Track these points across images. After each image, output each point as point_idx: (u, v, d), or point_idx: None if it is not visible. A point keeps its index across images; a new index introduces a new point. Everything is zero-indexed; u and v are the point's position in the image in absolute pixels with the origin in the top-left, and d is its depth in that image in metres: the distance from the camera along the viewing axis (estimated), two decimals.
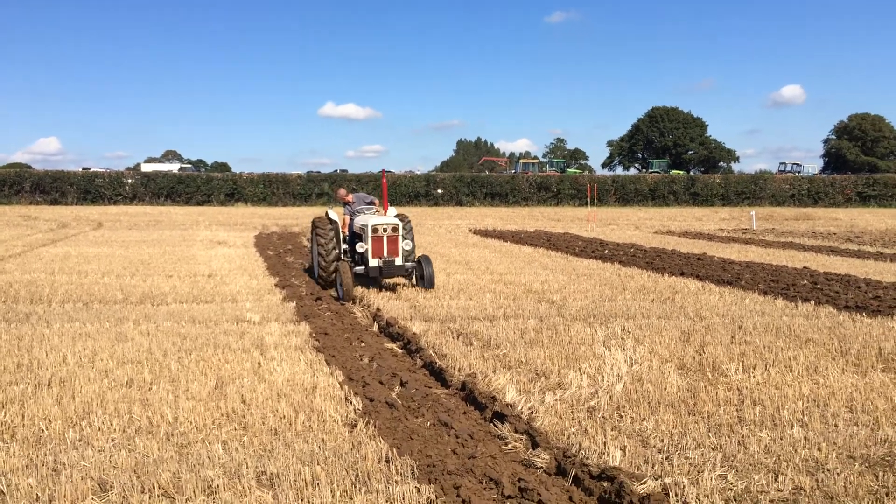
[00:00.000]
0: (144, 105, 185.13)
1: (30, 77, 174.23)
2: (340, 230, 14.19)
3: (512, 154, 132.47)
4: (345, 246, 14.12)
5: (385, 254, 12.93)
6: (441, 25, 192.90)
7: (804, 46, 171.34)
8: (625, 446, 5.15)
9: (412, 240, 13.81)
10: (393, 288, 13.36)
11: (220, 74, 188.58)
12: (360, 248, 13.08)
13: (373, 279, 13.63)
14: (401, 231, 13.21)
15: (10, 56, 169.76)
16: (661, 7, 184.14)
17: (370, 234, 12.82)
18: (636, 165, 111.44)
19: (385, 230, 12.94)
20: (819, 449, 5.12)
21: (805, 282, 14.02)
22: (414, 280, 13.60)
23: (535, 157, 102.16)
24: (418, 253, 14.40)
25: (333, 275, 13.39)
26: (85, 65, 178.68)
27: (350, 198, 14.71)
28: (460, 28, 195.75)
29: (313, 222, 14.59)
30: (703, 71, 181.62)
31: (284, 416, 5.81)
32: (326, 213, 14.54)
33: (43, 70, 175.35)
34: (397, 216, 13.84)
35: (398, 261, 13.04)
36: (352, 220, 14.23)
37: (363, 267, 13.04)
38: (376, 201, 14.86)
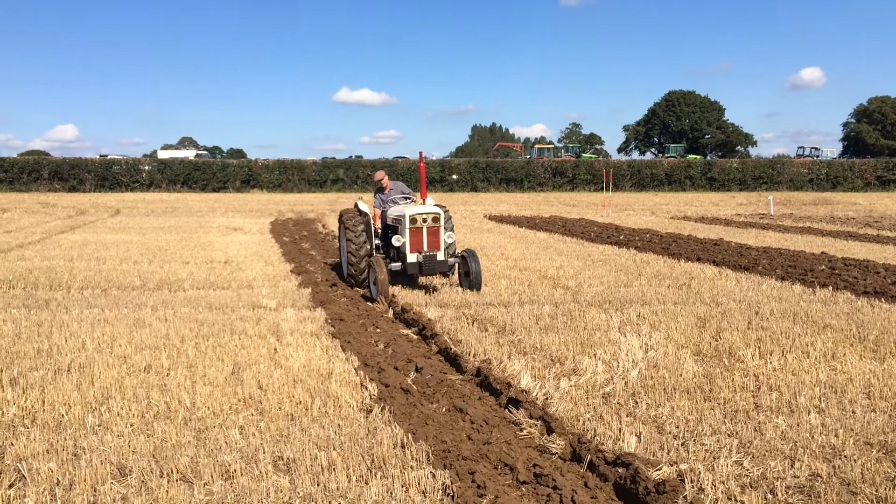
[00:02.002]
0: (160, 92, 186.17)
1: (47, 64, 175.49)
2: (372, 222, 12.62)
3: (527, 139, 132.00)
4: (377, 241, 12.58)
5: (425, 247, 11.42)
6: (456, 10, 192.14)
7: (824, 29, 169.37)
8: (640, 432, 5.15)
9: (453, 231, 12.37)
10: (423, 286, 12.05)
11: (235, 61, 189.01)
12: (396, 241, 11.46)
13: (410, 277, 12.17)
14: (442, 221, 11.65)
15: (28, 44, 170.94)
16: None
17: (407, 224, 11.34)
18: (652, 150, 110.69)
19: (425, 220, 11.41)
20: (836, 435, 5.10)
21: (823, 267, 13.90)
22: (458, 278, 12.11)
23: (551, 143, 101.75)
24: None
25: (365, 272, 11.88)
26: (102, 52, 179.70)
27: (387, 182, 13.06)
28: (476, 12, 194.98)
29: (341, 215, 12.89)
30: (721, 54, 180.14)
31: (300, 402, 5.85)
32: (356, 204, 12.85)
33: (60, 57, 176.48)
34: (437, 206, 12.24)
35: (440, 255, 11.52)
36: (384, 211, 12.79)
37: (400, 263, 11.52)
38: (413, 196, 13.20)
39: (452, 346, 7.93)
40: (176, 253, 16.49)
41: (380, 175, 13.15)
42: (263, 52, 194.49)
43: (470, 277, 11.36)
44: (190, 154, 78.44)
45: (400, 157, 67.34)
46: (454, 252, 12.08)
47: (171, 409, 5.73)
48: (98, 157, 63.22)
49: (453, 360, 7.61)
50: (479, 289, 11.20)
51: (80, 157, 59.47)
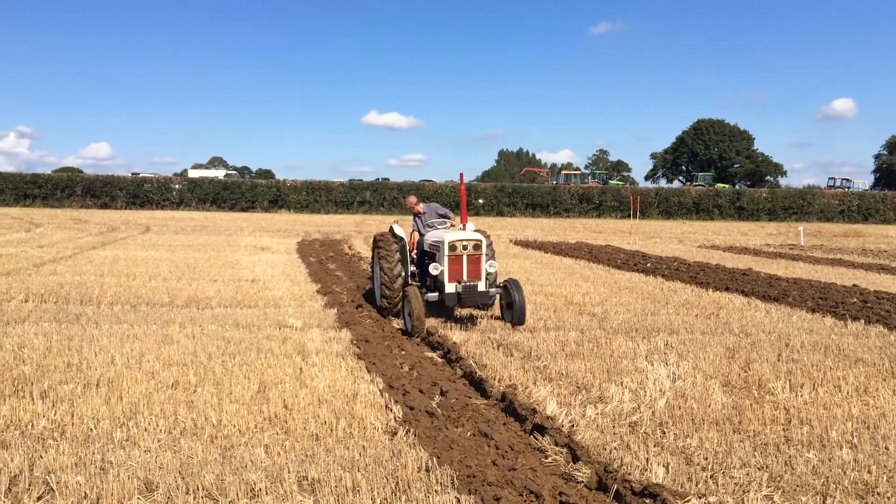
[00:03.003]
0: (192, 112, 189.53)
1: (82, 84, 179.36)
2: (408, 248, 11.88)
3: (553, 165, 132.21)
4: (412, 268, 11.85)
5: (464, 277, 10.54)
6: (486, 36, 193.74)
7: (857, 60, 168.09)
8: (668, 463, 5.07)
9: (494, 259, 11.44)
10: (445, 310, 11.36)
11: (266, 83, 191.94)
12: (433, 269, 10.54)
13: (447, 308, 11.14)
14: (484, 248, 10.78)
15: (63, 63, 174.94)
16: (708, 19, 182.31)
17: (446, 251, 10.47)
18: (680, 178, 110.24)
19: (465, 247, 10.53)
20: (869, 472, 4.99)
21: (854, 300, 13.67)
22: (499, 310, 11.26)
23: (577, 169, 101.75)
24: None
25: (399, 303, 11.18)
26: (135, 72, 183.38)
27: (421, 207, 12.45)
28: (505, 38, 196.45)
29: (375, 239, 12.04)
30: (751, 84, 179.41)
31: (326, 422, 5.86)
32: (391, 228, 12.04)
33: (95, 77, 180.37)
34: (477, 231, 11.27)
35: (481, 286, 10.59)
36: (421, 236, 12.07)
37: (437, 293, 10.65)
38: (451, 215, 12.56)
39: (477, 371, 7.90)
40: (204, 271, 16.65)
41: (412, 201, 12.63)
42: (293, 75, 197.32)
43: (513, 310, 10.49)
44: (219, 174, 79.52)
45: (426, 181, 67.70)
46: (494, 281, 11.12)
47: (198, 425, 5.76)
48: (130, 174, 64.34)
49: (478, 385, 7.58)
50: (522, 322, 10.37)
51: (112, 175, 60.66)
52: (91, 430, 5.62)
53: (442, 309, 11.17)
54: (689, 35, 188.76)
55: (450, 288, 10.50)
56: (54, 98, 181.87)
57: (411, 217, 12.79)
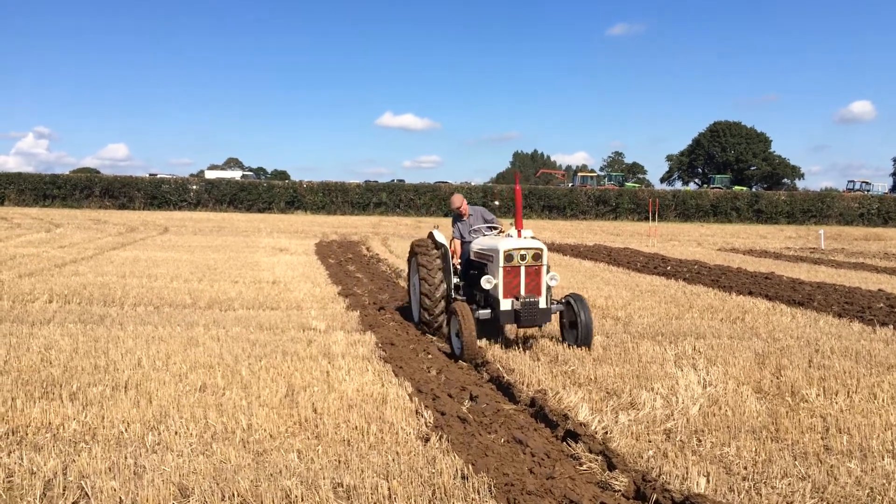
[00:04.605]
0: (209, 113, 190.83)
1: (99, 85, 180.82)
2: (450, 257, 10.50)
3: (569, 167, 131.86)
4: (456, 279, 10.40)
5: (522, 292, 9.13)
6: (501, 37, 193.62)
7: (875, 62, 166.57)
8: (708, 472, 4.98)
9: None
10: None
11: (281, 84, 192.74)
12: (486, 283, 9.14)
13: (498, 329, 9.91)
14: (545, 259, 9.36)
15: (81, 65, 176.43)
16: (724, 20, 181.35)
17: (501, 262, 9.07)
18: (696, 180, 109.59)
19: (523, 257, 9.14)
20: None
21: (881, 305, 13.48)
22: (559, 330, 9.78)
23: (593, 171, 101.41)
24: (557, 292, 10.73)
25: (441, 319, 10.05)
26: (153, 74, 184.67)
27: (466, 208, 11.03)
28: (521, 40, 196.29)
29: (413, 247, 10.87)
30: (768, 85, 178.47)
31: (357, 427, 5.80)
32: (430, 234, 10.74)
33: (112, 78, 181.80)
34: (536, 238, 9.70)
35: (542, 302, 9.17)
36: (464, 243, 10.74)
37: (489, 310, 9.27)
38: (499, 223, 11.05)
39: (505, 375, 7.83)
40: (224, 272, 16.67)
41: (458, 200, 11.10)
42: (309, 76, 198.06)
43: (577, 330, 9.12)
44: (236, 175, 79.88)
45: (442, 182, 67.70)
46: (552, 297, 9.63)
47: (229, 429, 5.73)
48: (148, 175, 64.75)
49: (506, 389, 7.51)
50: (589, 345, 9.02)
51: (130, 176, 61.11)
52: (122, 433, 5.60)
53: (492, 329, 9.86)
54: (705, 36, 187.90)
55: (505, 305, 9.11)
56: (72, 99, 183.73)
57: (450, 221, 11.49)
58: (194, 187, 60.20)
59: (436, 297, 10.05)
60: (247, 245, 25.91)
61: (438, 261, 10.27)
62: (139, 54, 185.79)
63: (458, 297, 10.07)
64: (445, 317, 9.92)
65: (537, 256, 9.23)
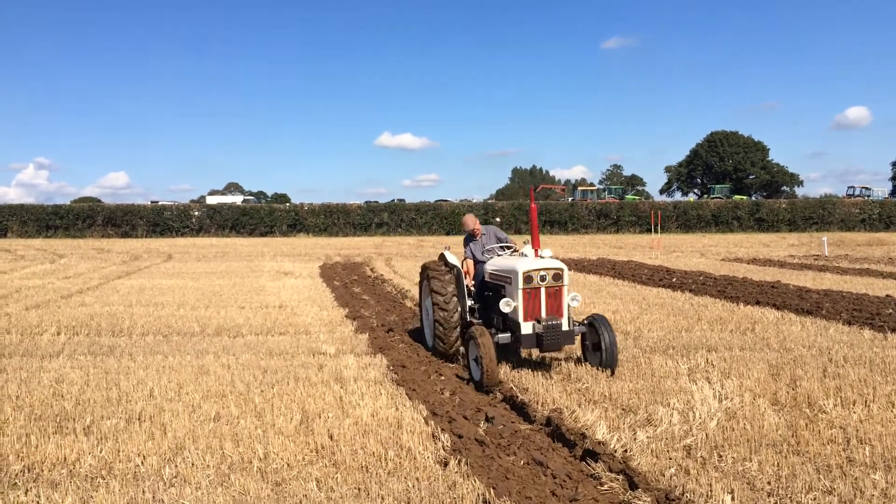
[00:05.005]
0: (206, 139, 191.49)
1: (98, 114, 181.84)
2: (464, 278, 10.18)
3: (568, 181, 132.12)
4: (470, 301, 10.10)
5: (543, 314, 8.80)
6: (497, 54, 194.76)
7: (869, 68, 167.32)
8: (732, 489, 4.93)
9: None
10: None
11: (278, 107, 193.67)
12: (505, 306, 8.80)
13: (513, 351, 9.44)
14: (566, 279, 9.01)
15: (79, 95, 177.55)
16: (720, 30, 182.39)
17: (520, 283, 8.72)
18: (695, 191, 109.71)
19: (543, 278, 8.79)
20: None
21: (890, 311, 13.43)
22: (581, 352, 9.39)
23: (592, 184, 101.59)
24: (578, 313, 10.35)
25: (457, 345, 9.71)
26: (150, 101, 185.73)
27: (479, 228, 10.76)
28: (516, 56, 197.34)
29: (424, 269, 10.51)
30: (764, 94, 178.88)
31: (374, 453, 5.76)
32: (442, 255, 10.42)
33: (110, 107, 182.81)
34: (555, 258, 9.27)
35: (564, 324, 8.80)
36: (477, 263, 10.45)
37: (509, 334, 8.90)
38: (513, 242, 10.79)
39: (518, 394, 7.78)
40: (231, 298, 16.66)
41: (471, 221, 10.79)
42: (305, 99, 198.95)
43: (601, 352, 8.71)
44: (236, 199, 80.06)
45: (442, 200, 67.80)
46: (572, 318, 9.15)
47: (246, 459, 5.68)
48: (149, 203, 64.89)
49: (520, 409, 7.46)
50: (613, 368, 8.60)
51: (132, 204, 61.18)
52: (138, 467, 5.56)
53: (510, 352, 9.43)
54: (699, 47, 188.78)
55: (526, 328, 8.74)
56: (71, 129, 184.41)
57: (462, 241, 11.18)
58: (196, 213, 60.34)
59: (451, 323, 9.62)
60: (251, 270, 25.91)
61: (452, 286, 9.83)
62: (135, 82, 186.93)
63: (474, 321, 9.79)
64: (461, 342, 9.61)
65: (558, 276, 8.89)
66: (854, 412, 6.81)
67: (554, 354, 9.68)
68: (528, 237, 10.12)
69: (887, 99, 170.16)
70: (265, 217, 59.81)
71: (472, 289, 10.25)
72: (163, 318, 13.28)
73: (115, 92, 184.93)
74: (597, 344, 8.89)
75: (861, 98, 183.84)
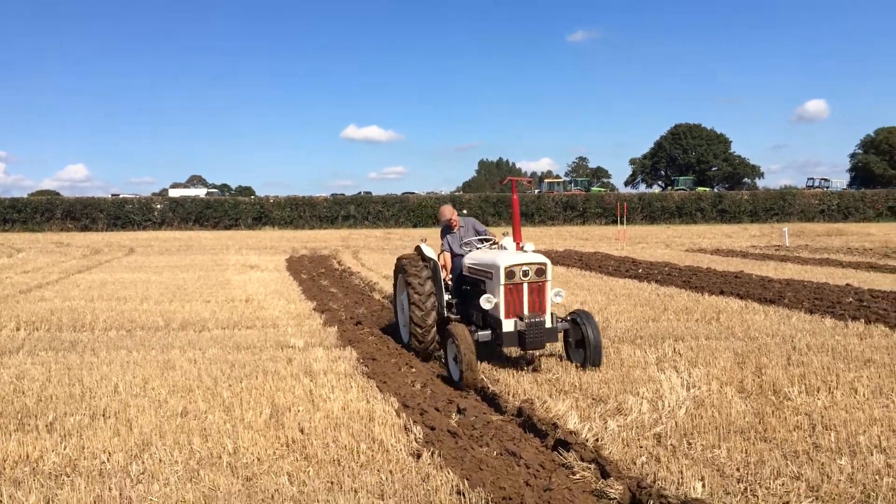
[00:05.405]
0: (169, 132, 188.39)
1: (57, 105, 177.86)
2: (441, 272, 9.79)
3: (534, 173, 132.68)
4: (447, 296, 9.75)
5: (525, 311, 8.48)
6: (463, 47, 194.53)
7: (828, 61, 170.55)
8: (702, 476, 4.98)
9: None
10: None
11: (243, 99, 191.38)
12: (485, 302, 8.47)
13: (493, 349, 9.24)
14: (549, 274, 8.67)
15: (37, 84, 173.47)
16: (683, 25, 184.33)
17: (502, 279, 8.39)
18: (659, 183, 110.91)
19: (526, 274, 8.45)
20: None
21: (850, 299, 13.71)
22: (563, 349, 9.09)
23: (559, 176, 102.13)
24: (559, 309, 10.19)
25: (434, 342, 9.40)
26: (109, 92, 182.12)
27: (456, 219, 10.37)
28: (482, 49, 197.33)
29: (399, 262, 10.02)
30: (726, 87, 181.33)
31: (346, 446, 5.71)
32: (418, 248, 9.97)
33: (70, 98, 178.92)
34: (539, 252, 8.98)
35: (548, 321, 8.50)
36: (455, 256, 10.11)
37: (489, 331, 8.59)
38: (492, 235, 10.35)
39: (490, 386, 7.79)
40: (196, 292, 16.42)
41: (448, 212, 10.40)
42: (271, 91, 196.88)
43: (585, 349, 8.44)
44: (200, 192, 78.90)
45: (409, 193, 67.60)
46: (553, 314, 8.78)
47: (215, 454, 5.60)
48: (110, 196, 63.71)
49: (491, 400, 7.47)
50: (598, 364, 8.38)
51: (92, 197, 60.03)
52: (104, 463, 5.44)
53: (489, 349, 9.13)
54: (664, 41, 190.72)
55: (508, 326, 8.41)
56: (28, 121, 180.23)
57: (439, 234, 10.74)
58: (158, 206, 59.33)
59: (427, 319, 9.24)
60: (216, 263, 25.58)
61: (429, 281, 9.42)
62: (94, 72, 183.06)
63: (451, 316, 9.46)
64: (439, 339, 9.33)
65: (541, 272, 8.55)
66: (818, 399, 6.93)
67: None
68: (507, 230, 9.96)
69: (845, 92, 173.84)
70: (230, 210, 59.06)
71: (450, 283, 9.94)
72: (126, 313, 13.04)
73: (72, 82, 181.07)
74: (580, 341, 8.61)
75: (820, 91, 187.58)
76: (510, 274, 8.41)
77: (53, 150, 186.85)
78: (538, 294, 8.53)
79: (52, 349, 9.78)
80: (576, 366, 8.51)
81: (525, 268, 8.45)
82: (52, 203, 59.20)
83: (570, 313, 8.94)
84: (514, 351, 9.37)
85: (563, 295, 8.77)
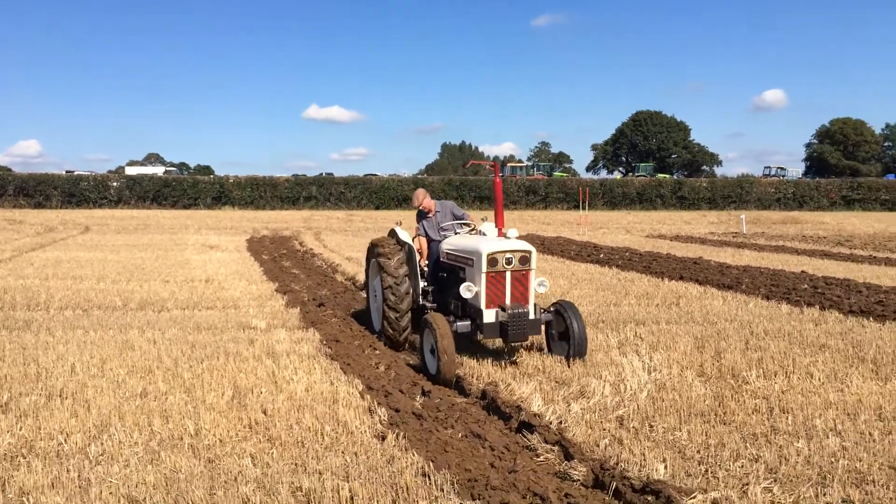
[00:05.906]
0: (125, 108, 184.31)
1: (8, 78, 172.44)
2: (417, 258, 9.41)
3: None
4: (423, 283, 9.37)
5: (507, 300, 8.04)
6: (427, 28, 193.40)
7: (786, 51, 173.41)
8: (664, 458, 5.05)
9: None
10: None
11: (202, 76, 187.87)
12: (466, 291, 8.00)
13: (473, 341, 8.91)
14: (533, 263, 8.25)
15: None
16: (646, 11, 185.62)
17: (483, 266, 7.93)
18: (620, 169, 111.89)
19: (509, 261, 8.01)
20: (860, 460, 5.05)
21: (805, 286, 14.02)
22: (545, 341, 8.64)
23: (521, 161, 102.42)
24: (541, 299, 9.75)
25: (407, 331, 8.97)
26: (64, 66, 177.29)
27: (431, 203, 9.89)
28: (446, 31, 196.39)
29: (372, 246, 9.52)
30: (687, 75, 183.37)
31: (310, 428, 5.67)
32: (392, 232, 9.55)
33: (21, 71, 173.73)
34: (522, 239, 8.62)
35: (531, 312, 8.04)
36: (431, 241, 9.73)
37: (469, 322, 8.20)
38: (470, 219, 9.93)
39: None
40: (154, 271, 16.14)
41: (421, 195, 9.89)
42: (231, 68, 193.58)
43: (570, 341, 8.03)
44: (157, 170, 77.39)
45: (371, 175, 67.23)
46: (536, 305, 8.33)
47: (176, 436, 5.52)
48: (64, 172, 62.14)
49: (455, 383, 7.48)
50: (583, 356, 7.97)
51: (46, 173, 58.50)
52: (62, 445, 5.32)
53: (468, 341, 8.77)
54: (627, 28, 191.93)
55: (489, 316, 7.96)
56: None
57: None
58: (115, 184, 58.05)
59: (401, 307, 8.80)
60: (175, 243, 25.15)
61: (404, 266, 8.98)
62: (48, 44, 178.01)
63: (427, 304, 9.10)
64: (413, 328, 8.94)
65: (525, 260, 8.11)
66: (775, 383, 7.08)
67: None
68: (486, 214, 9.79)
69: (802, 82, 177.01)
70: (188, 189, 58.05)
71: (426, 269, 9.55)
72: (82, 292, 12.76)
73: (24, 55, 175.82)
74: (563, 333, 8.22)
75: (777, 81, 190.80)
76: (492, 261, 7.98)
77: (5, 126, 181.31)
78: (521, 283, 8.12)
79: (5, 328, 9.53)
80: (538, 349, 8.55)
81: (508, 255, 8.03)
82: (3, 179, 57.54)
83: (553, 303, 8.57)
84: (496, 343, 9.02)
85: (547, 285, 8.43)
